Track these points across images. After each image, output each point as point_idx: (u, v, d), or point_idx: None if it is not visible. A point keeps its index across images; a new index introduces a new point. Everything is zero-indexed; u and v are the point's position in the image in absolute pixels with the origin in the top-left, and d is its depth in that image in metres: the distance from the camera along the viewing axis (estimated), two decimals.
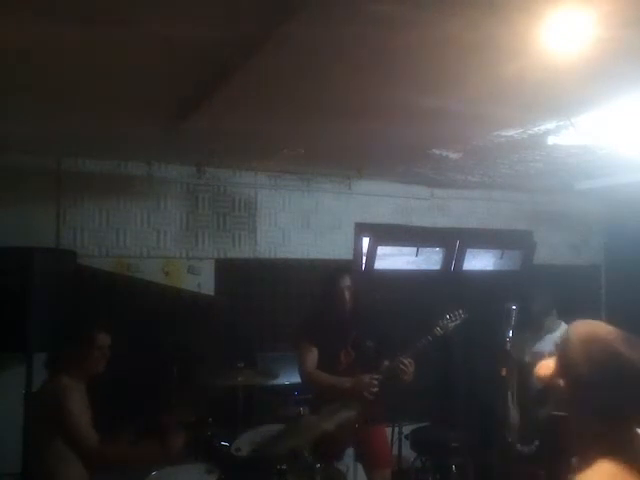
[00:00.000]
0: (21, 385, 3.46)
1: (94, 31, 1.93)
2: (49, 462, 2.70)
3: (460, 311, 3.60)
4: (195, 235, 4.51)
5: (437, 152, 3.81)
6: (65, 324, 3.28)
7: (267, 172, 4.70)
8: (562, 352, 1.43)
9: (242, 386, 3.64)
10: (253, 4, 1.75)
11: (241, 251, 4.64)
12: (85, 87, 2.56)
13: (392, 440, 4.12)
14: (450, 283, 5.04)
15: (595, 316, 1.48)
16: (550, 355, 1.50)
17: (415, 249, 5.08)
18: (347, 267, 4.55)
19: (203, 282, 4.49)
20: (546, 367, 1.47)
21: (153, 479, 2.96)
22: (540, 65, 2.12)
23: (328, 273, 3.89)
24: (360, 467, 3.70)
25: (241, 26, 1.89)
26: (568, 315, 3.71)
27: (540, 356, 3.00)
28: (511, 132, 3.25)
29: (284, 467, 2.96)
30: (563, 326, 3.76)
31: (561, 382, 1.40)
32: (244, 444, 3.29)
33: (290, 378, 4.05)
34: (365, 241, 5.01)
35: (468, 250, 5.28)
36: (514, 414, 3.45)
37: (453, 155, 3.88)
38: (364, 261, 4.96)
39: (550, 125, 3.07)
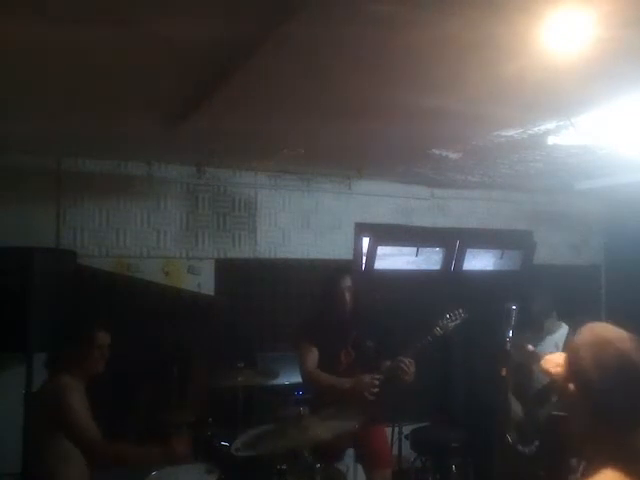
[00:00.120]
0: (21, 385, 3.46)
1: (94, 31, 1.93)
2: (49, 462, 2.70)
3: (460, 311, 3.60)
4: (195, 235, 4.51)
5: (437, 152, 3.81)
6: (65, 324, 3.27)
7: (267, 172, 4.70)
8: (572, 357, 1.41)
9: (242, 386, 3.63)
10: (253, 4, 1.75)
11: (241, 251, 4.64)
12: (85, 87, 2.55)
13: (392, 440, 4.11)
14: (450, 283, 5.03)
15: (595, 316, 1.48)
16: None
17: (415, 249, 5.08)
18: (347, 267, 4.56)
19: (203, 282, 4.49)
20: (552, 361, 1.46)
21: (153, 479, 2.95)
22: (540, 65, 2.12)
23: (328, 273, 3.90)
24: (360, 467, 3.70)
25: (241, 26, 1.88)
26: (568, 315, 3.72)
27: (537, 357, 3.00)
28: (511, 132, 3.25)
29: (284, 467, 2.96)
30: (563, 327, 3.75)
31: (571, 386, 1.39)
32: (244, 444, 3.28)
33: (290, 378, 4.05)
34: (365, 241, 5.01)
35: (468, 250, 5.27)
36: (516, 409, 3.45)
37: (453, 155, 3.88)
38: (364, 261, 4.95)
39: (550, 125, 3.07)
